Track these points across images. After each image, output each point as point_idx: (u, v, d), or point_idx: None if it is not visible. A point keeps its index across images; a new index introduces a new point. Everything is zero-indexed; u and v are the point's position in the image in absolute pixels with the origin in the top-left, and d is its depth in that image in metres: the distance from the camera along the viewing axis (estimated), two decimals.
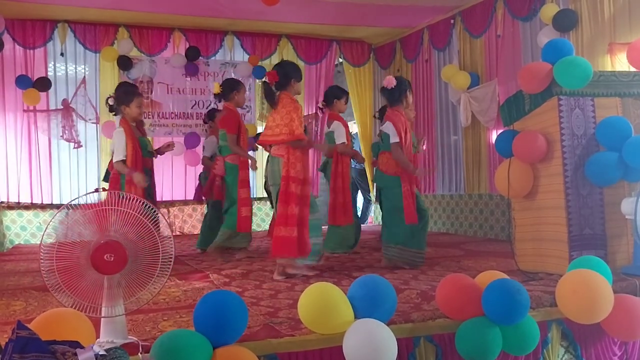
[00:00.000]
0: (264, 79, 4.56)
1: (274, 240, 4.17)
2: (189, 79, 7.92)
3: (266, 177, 5.45)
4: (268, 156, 4.50)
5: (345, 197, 5.35)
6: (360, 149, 8.41)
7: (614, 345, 3.28)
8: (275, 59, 8.31)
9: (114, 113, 4.87)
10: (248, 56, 8.11)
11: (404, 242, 4.49)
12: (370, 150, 7.21)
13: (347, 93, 5.58)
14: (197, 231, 7.35)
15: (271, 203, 4.55)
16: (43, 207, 7.14)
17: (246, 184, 5.23)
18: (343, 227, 5.37)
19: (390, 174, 4.52)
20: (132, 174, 4.51)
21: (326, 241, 5.33)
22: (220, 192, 5.40)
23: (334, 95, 5.59)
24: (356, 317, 2.67)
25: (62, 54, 7.32)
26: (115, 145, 4.62)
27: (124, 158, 4.58)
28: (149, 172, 4.77)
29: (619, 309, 3.03)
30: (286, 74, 4.24)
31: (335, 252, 5.38)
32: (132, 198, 2.43)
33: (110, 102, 4.79)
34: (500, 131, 5.03)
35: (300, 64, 8.42)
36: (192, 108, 7.95)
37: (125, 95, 4.71)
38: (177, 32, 7.77)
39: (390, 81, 4.56)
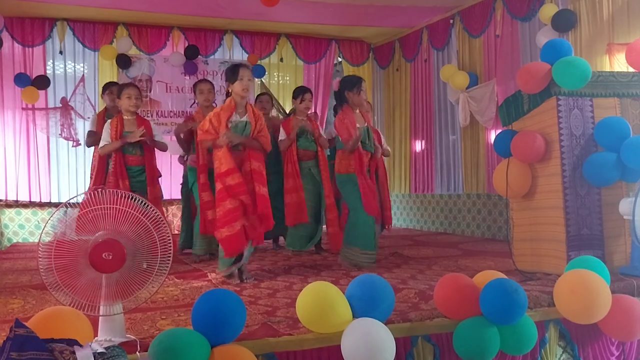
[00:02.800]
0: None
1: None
2: (187, 77, 7.92)
3: None
4: None
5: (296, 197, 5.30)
6: None
7: (611, 345, 3.29)
8: (274, 58, 8.33)
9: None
10: (247, 55, 8.11)
11: (347, 240, 4.56)
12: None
13: (302, 92, 5.50)
14: None
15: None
16: (41, 205, 7.13)
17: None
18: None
19: (341, 173, 4.58)
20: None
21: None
22: None
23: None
24: (354, 316, 2.67)
25: (61, 52, 7.32)
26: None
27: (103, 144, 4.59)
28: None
29: (616, 309, 3.03)
30: (226, 79, 4.14)
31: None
32: (131, 197, 2.43)
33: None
34: (498, 131, 5.04)
35: (300, 63, 8.44)
36: (191, 107, 7.93)
37: (118, 88, 4.74)
38: (176, 30, 7.77)
39: (334, 84, 4.73)
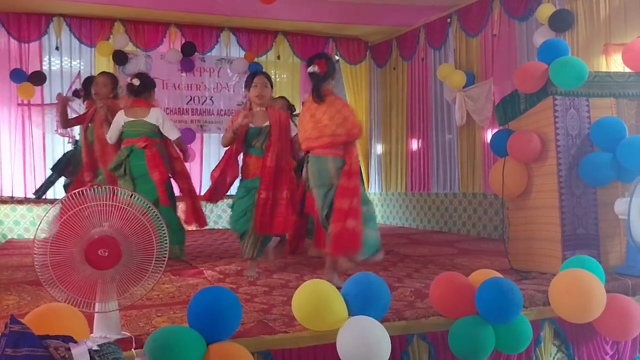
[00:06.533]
0: (312, 69, 3.72)
1: (336, 237, 3.55)
2: (184, 74, 7.92)
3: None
4: (307, 156, 3.82)
5: None
6: None
7: (605, 345, 3.30)
8: (271, 56, 8.32)
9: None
10: (244, 52, 8.11)
11: None
12: None
13: (252, 77, 4.62)
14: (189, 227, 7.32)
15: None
16: (37, 201, 7.11)
17: None
18: None
19: None
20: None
21: None
22: None
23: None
24: (350, 314, 2.67)
25: (57, 48, 7.31)
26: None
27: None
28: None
29: (611, 308, 3.04)
30: (329, 68, 3.71)
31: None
32: (127, 193, 2.42)
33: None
34: (495, 130, 5.04)
35: (297, 60, 8.43)
36: (187, 104, 7.94)
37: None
38: (173, 27, 7.76)
39: None
